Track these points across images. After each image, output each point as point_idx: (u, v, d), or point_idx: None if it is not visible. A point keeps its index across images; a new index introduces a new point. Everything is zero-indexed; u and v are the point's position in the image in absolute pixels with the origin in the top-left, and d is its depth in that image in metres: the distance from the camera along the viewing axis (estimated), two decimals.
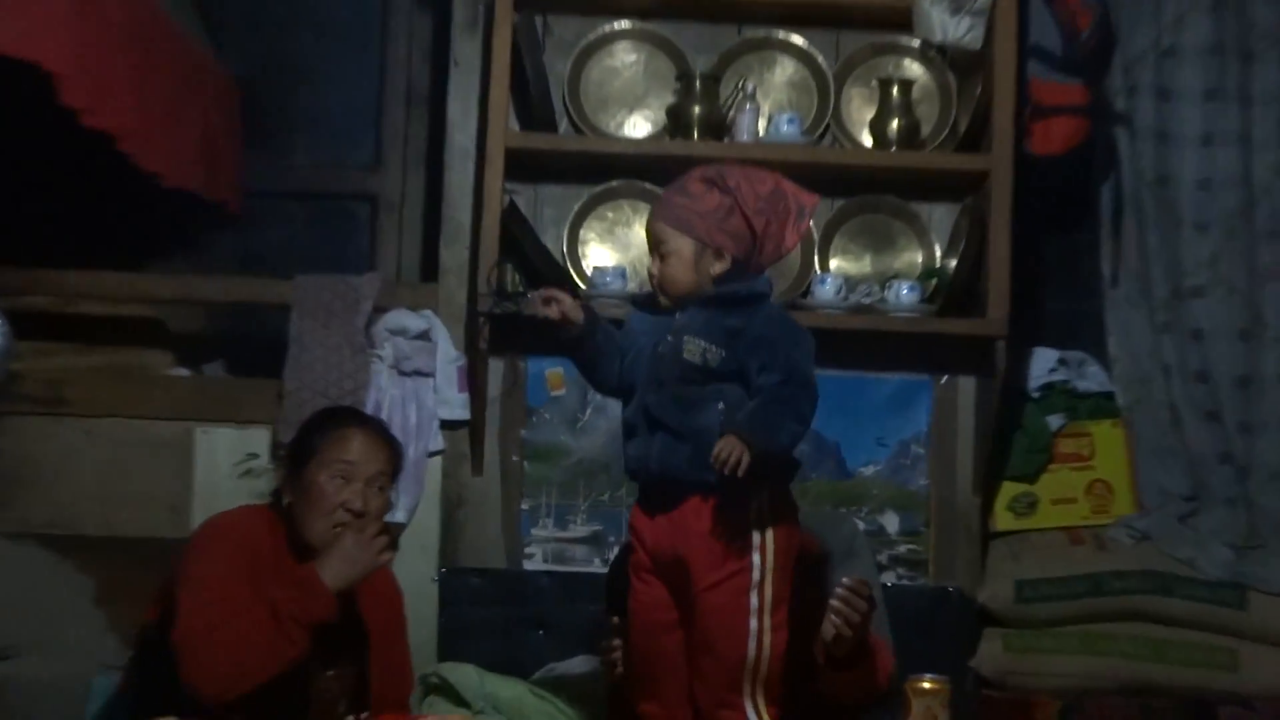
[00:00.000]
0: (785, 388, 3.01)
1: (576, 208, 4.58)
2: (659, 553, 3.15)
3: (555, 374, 4.55)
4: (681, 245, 3.12)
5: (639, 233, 4.43)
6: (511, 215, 4.31)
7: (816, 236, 4.60)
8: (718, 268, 3.12)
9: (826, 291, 4.47)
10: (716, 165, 3.17)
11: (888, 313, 4.44)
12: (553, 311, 3.13)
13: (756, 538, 3.09)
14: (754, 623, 3.10)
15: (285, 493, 3.47)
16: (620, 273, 4.44)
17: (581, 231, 4.61)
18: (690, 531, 3.09)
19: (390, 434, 3.55)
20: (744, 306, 3.10)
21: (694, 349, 3.09)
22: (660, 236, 3.15)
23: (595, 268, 4.49)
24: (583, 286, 4.46)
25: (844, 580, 3.26)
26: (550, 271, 4.34)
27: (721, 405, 3.06)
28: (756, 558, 3.09)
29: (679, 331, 3.12)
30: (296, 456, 3.47)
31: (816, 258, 4.63)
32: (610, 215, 4.59)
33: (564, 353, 3.23)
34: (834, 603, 3.26)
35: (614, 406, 3.33)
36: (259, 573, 3.36)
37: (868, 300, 4.48)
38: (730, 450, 2.94)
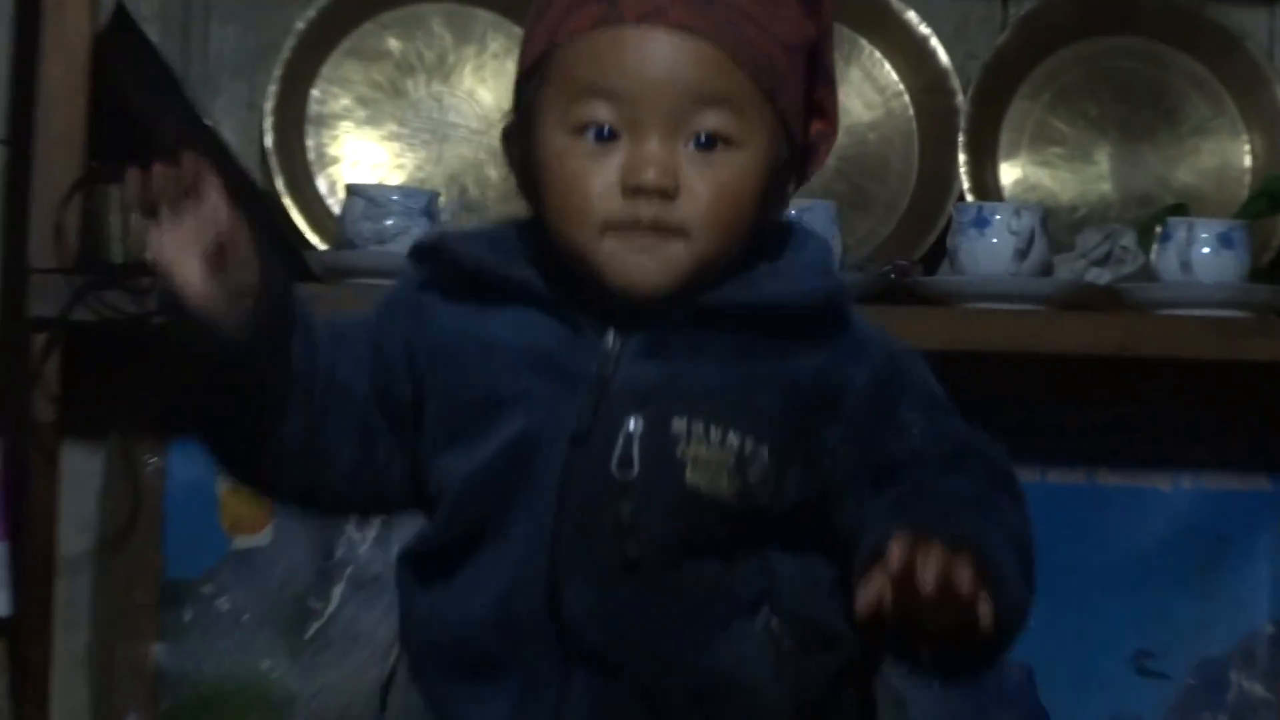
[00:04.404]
0: (1002, 499, 1.61)
1: (299, 29, 2.86)
2: None
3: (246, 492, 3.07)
4: (753, 125, 1.52)
5: (482, 95, 2.84)
6: (121, 49, 2.78)
7: (963, 106, 2.86)
8: (779, 201, 1.63)
9: (993, 249, 2.64)
10: None
11: (1162, 307, 2.66)
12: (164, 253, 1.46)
13: None
14: None
15: None
16: (422, 202, 2.68)
17: (316, 92, 2.89)
18: None
19: None
20: (822, 322, 1.59)
21: (706, 456, 1.59)
22: (706, 86, 1.52)
23: (351, 189, 2.68)
24: (321, 245, 2.76)
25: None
26: (246, 200, 2.35)
27: (767, 615, 1.58)
28: None
29: (652, 399, 1.58)
30: None
31: (963, 157, 2.79)
32: (394, 46, 2.90)
33: (200, 388, 1.59)
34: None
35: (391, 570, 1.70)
36: None
37: (1105, 274, 2.70)
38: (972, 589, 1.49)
